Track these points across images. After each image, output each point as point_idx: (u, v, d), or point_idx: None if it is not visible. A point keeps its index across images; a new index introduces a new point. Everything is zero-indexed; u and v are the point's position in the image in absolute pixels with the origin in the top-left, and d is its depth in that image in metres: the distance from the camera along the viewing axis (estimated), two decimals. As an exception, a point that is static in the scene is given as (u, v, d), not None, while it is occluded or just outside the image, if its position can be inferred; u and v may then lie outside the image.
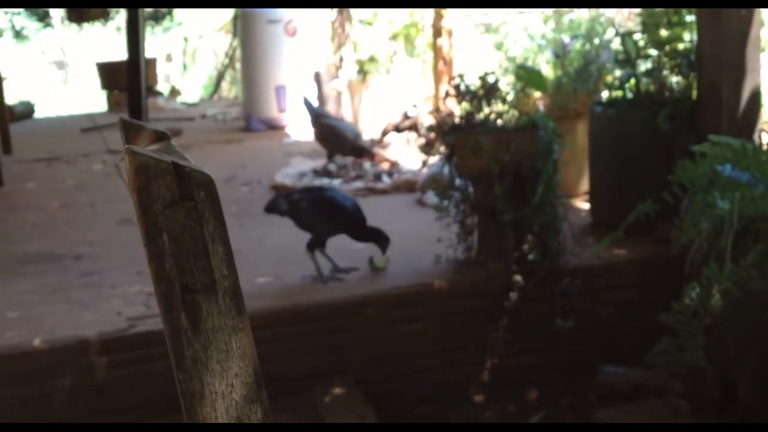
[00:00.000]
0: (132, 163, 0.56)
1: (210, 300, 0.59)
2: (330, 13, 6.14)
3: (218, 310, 0.59)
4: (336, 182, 4.12)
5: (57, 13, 13.31)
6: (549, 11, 5.49)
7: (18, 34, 16.28)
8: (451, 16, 5.33)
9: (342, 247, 2.88)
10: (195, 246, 0.57)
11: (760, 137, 2.82)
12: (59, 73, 12.69)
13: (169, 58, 11.46)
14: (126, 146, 0.56)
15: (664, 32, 3.02)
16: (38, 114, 7.97)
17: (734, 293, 2.15)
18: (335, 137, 4.32)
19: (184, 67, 11.65)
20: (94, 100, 9.94)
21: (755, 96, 2.81)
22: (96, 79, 8.35)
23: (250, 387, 0.60)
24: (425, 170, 3.62)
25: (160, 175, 0.57)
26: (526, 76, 3.16)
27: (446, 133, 2.78)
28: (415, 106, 4.98)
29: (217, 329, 0.59)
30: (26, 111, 7.50)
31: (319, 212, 2.80)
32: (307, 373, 2.53)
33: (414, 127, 4.79)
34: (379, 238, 2.80)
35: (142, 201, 0.57)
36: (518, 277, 2.61)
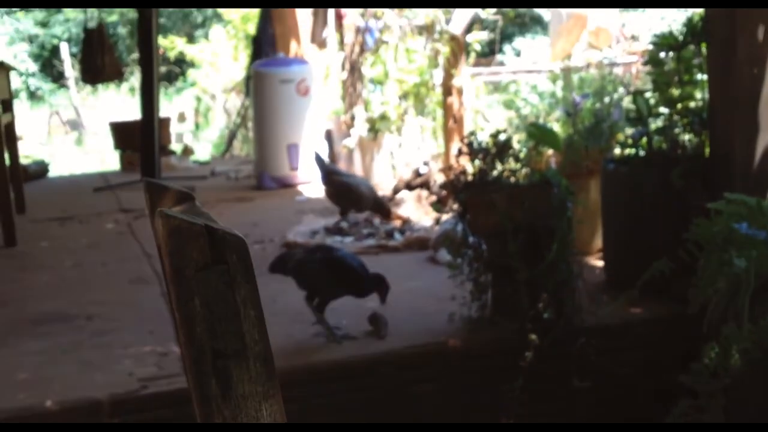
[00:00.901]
0: (165, 227, 0.55)
1: (241, 366, 0.57)
2: (341, 73, 6.22)
3: (249, 376, 0.57)
4: (348, 240, 4.11)
5: (71, 74, 13.53)
6: (557, 69, 5.55)
7: (33, 95, 16.55)
8: (461, 75, 5.40)
9: (355, 305, 2.86)
10: (227, 310, 0.56)
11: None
12: (73, 133, 12.85)
13: (182, 117, 11.61)
14: (158, 210, 0.55)
15: (675, 91, 3.04)
16: (52, 173, 8.04)
17: (753, 353, 2.12)
18: (350, 194, 4.30)
19: (197, 126, 11.80)
20: (108, 160, 10.05)
21: (768, 154, 2.81)
22: (109, 139, 8.44)
23: (280, 455, 0.58)
24: (438, 228, 3.62)
25: (193, 238, 0.56)
26: (538, 133, 3.18)
27: (459, 191, 2.78)
28: (426, 163, 5.00)
29: (248, 396, 0.57)
30: (40, 170, 7.57)
31: (326, 273, 2.75)
32: (320, 434, 2.49)
33: (426, 185, 4.81)
34: (380, 286, 2.75)
35: (174, 265, 0.55)
36: (533, 336, 2.58)
